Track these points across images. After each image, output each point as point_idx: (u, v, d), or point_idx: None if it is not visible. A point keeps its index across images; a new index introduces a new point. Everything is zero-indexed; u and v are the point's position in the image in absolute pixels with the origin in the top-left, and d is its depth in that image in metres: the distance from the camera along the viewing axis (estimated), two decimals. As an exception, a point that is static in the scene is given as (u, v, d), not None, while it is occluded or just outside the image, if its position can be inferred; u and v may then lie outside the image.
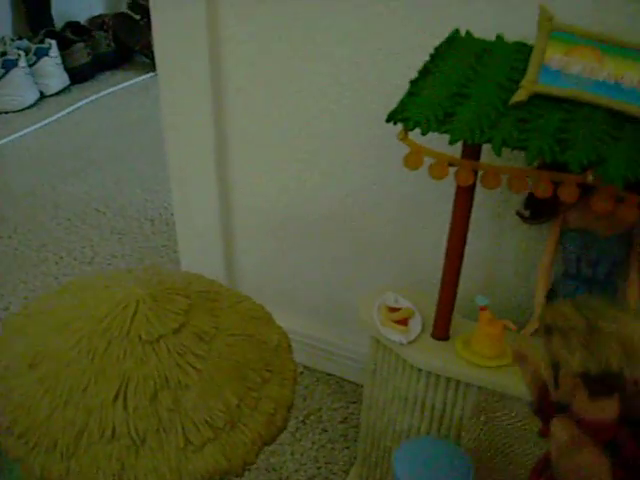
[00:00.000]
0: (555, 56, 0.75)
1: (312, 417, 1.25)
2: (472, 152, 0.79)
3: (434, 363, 0.90)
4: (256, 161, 1.19)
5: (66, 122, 2.43)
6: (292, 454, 1.18)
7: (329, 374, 1.34)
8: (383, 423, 1.02)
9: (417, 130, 0.75)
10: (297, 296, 1.30)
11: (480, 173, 0.79)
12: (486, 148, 0.77)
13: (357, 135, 1.07)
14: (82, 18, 2.88)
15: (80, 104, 2.53)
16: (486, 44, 0.83)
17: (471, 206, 0.85)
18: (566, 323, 0.58)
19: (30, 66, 2.53)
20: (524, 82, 0.75)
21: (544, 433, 0.65)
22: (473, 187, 0.83)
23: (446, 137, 0.74)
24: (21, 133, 2.32)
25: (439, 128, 0.74)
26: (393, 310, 0.96)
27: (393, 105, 0.78)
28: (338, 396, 1.30)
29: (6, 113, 2.46)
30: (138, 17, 2.83)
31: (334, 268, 1.23)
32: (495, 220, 1.03)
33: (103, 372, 0.68)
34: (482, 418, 0.90)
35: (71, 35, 2.72)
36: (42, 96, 2.57)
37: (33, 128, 2.35)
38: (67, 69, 2.65)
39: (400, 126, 0.77)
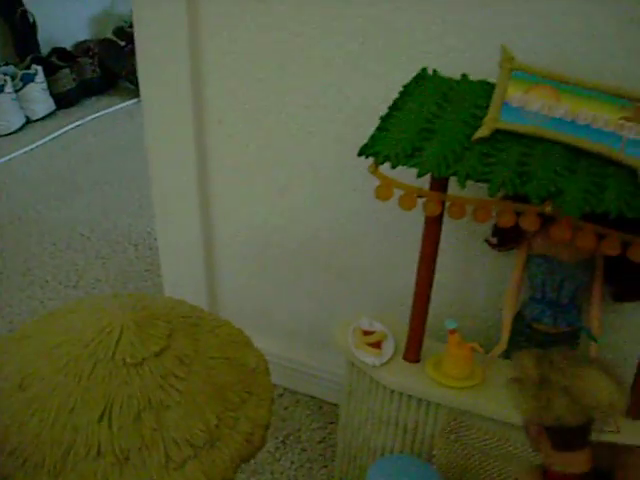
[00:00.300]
0: (516, 94, 0.80)
1: (291, 437, 1.28)
2: (439, 184, 0.84)
3: (405, 384, 0.95)
4: (237, 189, 1.23)
5: (52, 147, 2.46)
6: (272, 473, 1.21)
7: (309, 396, 1.38)
8: (359, 442, 1.06)
9: (388, 163, 0.80)
10: (278, 320, 1.34)
11: (447, 204, 0.84)
12: (453, 180, 0.82)
13: (335, 166, 1.11)
14: (68, 44, 2.91)
15: (66, 129, 2.56)
16: (452, 82, 0.88)
17: (439, 235, 0.90)
18: (522, 374, 0.62)
19: (16, 91, 2.56)
20: (487, 119, 0.80)
21: None
22: (441, 217, 0.87)
23: (415, 170, 0.79)
24: (7, 158, 2.34)
25: (407, 162, 0.79)
26: (367, 333, 1.00)
27: (366, 136, 0.83)
28: (317, 417, 1.33)
29: (-10, 138, 2.49)
30: (123, 43, 2.87)
31: (313, 293, 1.27)
32: (465, 247, 1.07)
33: (89, 393, 0.72)
34: (452, 437, 0.94)
35: (57, 61, 2.75)
36: (28, 121, 2.60)
37: (19, 153, 2.37)
38: (53, 94, 2.67)
39: (371, 159, 0.82)
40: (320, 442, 1.28)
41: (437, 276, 0.94)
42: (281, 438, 1.28)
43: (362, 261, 1.18)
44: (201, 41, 1.12)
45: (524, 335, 0.99)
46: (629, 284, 0.97)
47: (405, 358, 0.98)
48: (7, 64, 2.69)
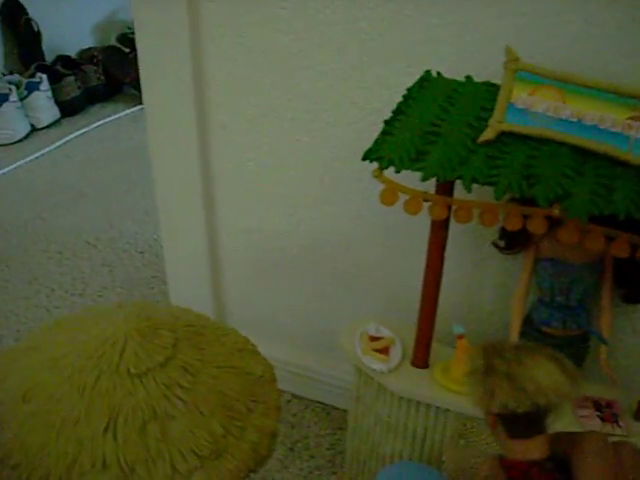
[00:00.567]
0: (521, 96, 0.79)
1: (300, 444, 1.27)
2: (445, 188, 0.83)
3: (414, 390, 0.94)
4: (241, 195, 1.22)
5: (57, 155, 2.46)
6: (281, 481, 1.21)
7: (317, 401, 1.37)
8: (367, 448, 1.05)
9: (392, 168, 0.79)
10: (284, 325, 1.33)
11: (453, 208, 0.83)
12: (459, 183, 0.81)
13: (339, 170, 1.10)
14: (72, 51, 2.92)
15: (71, 137, 2.56)
16: (456, 84, 0.87)
17: (446, 239, 0.89)
18: (471, 364, 0.62)
19: (21, 100, 2.56)
20: (492, 121, 0.79)
21: None
22: (447, 221, 0.86)
23: (420, 174, 0.78)
24: (12, 166, 2.34)
25: (412, 166, 0.78)
26: (374, 339, 0.99)
27: (369, 140, 0.82)
28: (325, 423, 1.32)
29: (-4, 147, 2.50)
30: (127, 50, 2.87)
31: (320, 298, 1.26)
32: (472, 250, 1.06)
33: (93, 405, 0.71)
34: (461, 442, 0.93)
35: (62, 69, 2.76)
36: (33, 129, 2.60)
37: (24, 161, 2.38)
38: (58, 102, 2.68)
39: (376, 164, 0.81)
40: (329, 448, 1.27)
41: (444, 280, 0.93)
42: (289, 445, 1.27)
43: (367, 265, 1.17)
44: (203, 45, 1.12)
45: (533, 339, 0.98)
46: (639, 286, 0.96)
47: (413, 364, 0.97)
48: (12, 73, 2.70)
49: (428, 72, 0.89)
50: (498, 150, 0.78)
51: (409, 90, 0.87)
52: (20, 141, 2.53)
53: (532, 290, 0.99)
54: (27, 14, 2.78)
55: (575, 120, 0.78)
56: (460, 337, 0.92)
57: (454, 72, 0.89)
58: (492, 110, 0.80)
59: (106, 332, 0.75)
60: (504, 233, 0.99)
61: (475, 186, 0.77)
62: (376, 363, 0.96)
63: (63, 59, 2.82)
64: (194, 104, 1.16)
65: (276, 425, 0.80)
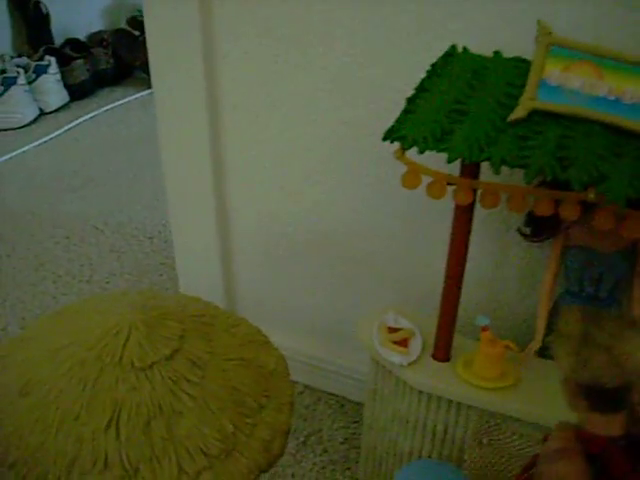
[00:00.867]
0: (554, 72, 0.74)
1: (313, 438, 1.23)
2: (471, 170, 0.78)
3: (434, 385, 0.89)
4: (253, 180, 1.17)
5: (65, 139, 2.42)
6: (293, 476, 1.16)
7: (330, 393, 1.33)
8: (384, 445, 1.00)
9: (415, 148, 0.74)
10: (297, 314, 1.28)
11: (479, 192, 0.78)
12: (485, 166, 0.75)
13: (356, 154, 1.05)
14: (81, 35, 2.88)
15: (79, 121, 2.52)
16: (484, 60, 0.81)
17: (470, 225, 0.83)
18: (566, 328, 0.58)
19: (29, 83, 2.52)
20: (523, 99, 0.74)
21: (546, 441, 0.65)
22: (472, 206, 0.81)
23: (444, 155, 0.73)
24: (20, 150, 2.31)
25: (436, 146, 0.73)
26: (393, 330, 0.94)
27: (390, 123, 0.77)
28: (339, 416, 1.28)
29: (5, 131, 2.46)
30: (137, 33, 2.83)
31: (334, 287, 1.21)
32: (497, 238, 1.01)
33: (95, 400, 0.67)
34: (484, 440, 0.88)
35: (70, 52, 2.72)
36: (41, 113, 2.57)
37: (32, 145, 2.34)
38: (67, 86, 2.64)
39: (397, 144, 0.76)
40: (343, 443, 1.22)
41: (467, 268, 0.88)
42: (302, 439, 1.22)
43: (385, 253, 1.12)
44: (215, 27, 1.07)
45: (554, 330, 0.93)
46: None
47: (434, 357, 0.92)
48: (20, 56, 2.66)
49: (453, 47, 0.83)
50: (529, 130, 0.73)
51: (433, 66, 0.81)
52: (28, 125, 2.50)
53: (559, 280, 0.94)
54: (36, -4, 2.73)
55: (613, 98, 0.72)
56: (484, 329, 0.87)
57: (482, 47, 0.83)
58: (523, 87, 0.75)
59: (109, 322, 0.70)
60: (531, 219, 0.93)
61: (503, 169, 0.72)
62: (395, 356, 0.91)
63: (72, 42, 2.79)
64: (204, 85, 1.11)
65: (289, 422, 0.75)
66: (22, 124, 2.50)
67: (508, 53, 0.82)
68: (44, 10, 2.78)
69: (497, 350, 0.87)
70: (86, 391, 0.67)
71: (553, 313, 0.94)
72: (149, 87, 2.71)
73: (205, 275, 1.31)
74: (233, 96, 1.11)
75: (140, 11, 2.88)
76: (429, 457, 0.94)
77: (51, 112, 2.58)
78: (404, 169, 0.77)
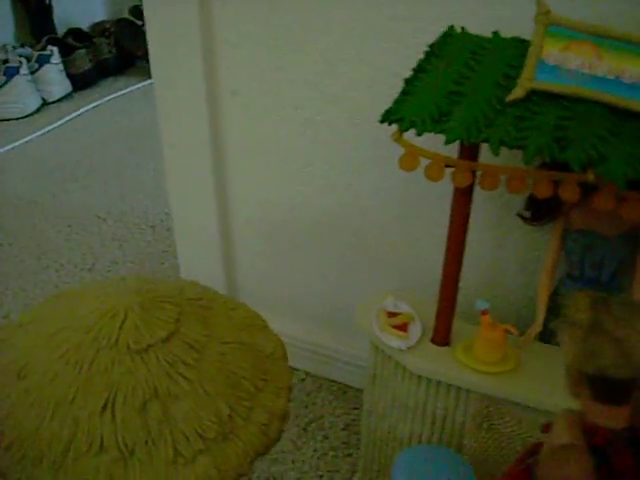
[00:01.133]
0: (553, 52, 0.73)
1: (313, 424, 1.22)
2: (469, 152, 0.77)
3: (434, 369, 0.88)
4: (253, 166, 1.17)
5: (68, 129, 2.42)
6: (293, 462, 1.16)
7: (331, 380, 1.32)
8: (384, 430, 1.00)
9: (413, 130, 0.74)
10: (298, 301, 1.28)
11: (478, 174, 0.77)
12: (484, 147, 0.75)
13: (355, 139, 1.05)
14: (84, 24, 2.88)
15: (82, 111, 2.52)
16: (482, 40, 0.80)
17: (469, 208, 0.83)
18: (574, 315, 0.57)
19: (32, 73, 2.53)
20: (521, 79, 0.73)
21: (546, 429, 0.64)
22: (471, 188, 0.81)
23: (442, 137, 0.73)
24: (23, 140, 2.31)
25: (434, 128, 0.72)
26: (392, 315, 0.93)
27: (388, 105, 0.76)
28: (340, 403, 1.28)
29: (8, 120, 2.46)
30: (140, 23, 2.82)
31: (334, 273, 1.21)
32: (497, 222, 1.01)
33: (91, 383, 0.66)
34: (484, 425, 0.88)
35: (73, 42, 2.72)
36: (44, 103, 2.57)
37: (35, 135, 2.34)
38: (69, 75, 2.65)
39: (395, 127, 0.75)
40: (344, 429, 1.22)
41: (466, 253, 0.87)
42: (303, 425, 1.22)
43: (384, 238, 1.12)
44: (213, 13, 1.06)
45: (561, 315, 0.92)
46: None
47: (433, 341, 0.92)
48: (23, 46, 2.67)
49: (452, 27, 0.83)
50: (528, 110, 0.72)
51: (431, 47, 0.81)
52: (31, 115, 2.51)
53: (560, 264, 0.94)
54: (38, -14, 2.73)
55: (612, 77, 0.72)
56: (484, 313, 0.86)
57: (480, 28, 0.82)
58: (521, 67, 0.74)
59: (105, 305, 0.70)
60: (531, 203, 0.92)
61: (502, 150, 0.71)
62: (394, 340, 0.90)
63: (74, 32, 2.79)
64: (203, 70, 1.11)
65: (286, 406, 0.75)
66: (25, 114, 2.50)
67: (507, 33, 0.81)
68: (47, 0, 2.77)
69: (497, 334, 0.86)
70: (82, 374, 0.67)
71: (554, 297, 0.93)
72: (151, 77, 2.71)
73: (206, 262, 1.30)
74: (232, 83, 1.11)
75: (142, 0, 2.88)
76: (429, 442, 0.94)
77: (54, 102, 2.58)
78: (402, 152, 0.77)
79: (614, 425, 0.56)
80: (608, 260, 0.88)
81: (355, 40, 0.97)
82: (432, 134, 0.73)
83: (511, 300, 1.04)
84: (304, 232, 1.19)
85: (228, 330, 0.76)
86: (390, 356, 0.93)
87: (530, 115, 0.72)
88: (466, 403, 0.89)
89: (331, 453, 1.17)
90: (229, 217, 1.25)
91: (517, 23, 0.79)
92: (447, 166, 0.77)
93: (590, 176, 0.70)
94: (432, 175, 0.77)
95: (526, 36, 0.77)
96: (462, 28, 0.83)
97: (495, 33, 0.81)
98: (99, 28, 2.86)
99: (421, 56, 0.81)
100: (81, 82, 2.69)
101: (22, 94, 2.50)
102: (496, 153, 0.70)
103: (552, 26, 0.74)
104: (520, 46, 0.77)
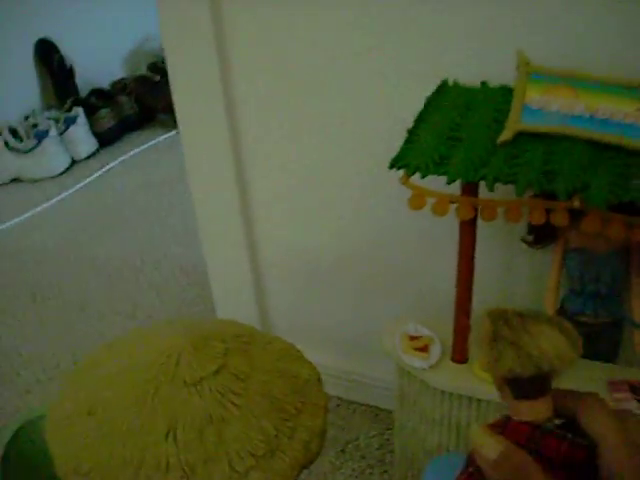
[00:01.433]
0: (535, 96, 0.84)
1: (350, 446, 1.32)
2: (470, 189, 0.87)
3: (455, 385, 0.98)
4: (279, 210, 1.28)
5: (98, 184, 2.55)
6: (334, 482, 1.25)
7: (364, 404, 1.41)
8: (414, 444, 1.09)
9: (418, 174, 0.84)
10: (326, 332, 1.38)
11: (479, 207, 0.87)
12: (482, 183, 0.85)
13: (369, 180, 1.15)
14: (104, 82, 3.02)
15: (110, 166, 2.66)
16: (472, 90, 0.91)
17: (474, 237, 0.93)
18: (480, 332, 0.64)
19: (60, 134, 2.66)
20: (509, 122, 0.83)
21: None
22: (474, 220, 0.91)
23: (444, 177, 0.83)
24: (56, 199, 2.44)
25: (437, 170, 0.83)
26: (414, 338, 1.03)
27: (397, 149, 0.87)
28: (374, 424, 1.37)
29: (40, 181, 2.60)
30: (158, 78, 2.96)
31: (357, 303, 1.31)
32: (503, 247, 1.10)
33: (154, 414, 0.76)
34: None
35: (96, 101, 2.86)
36: (73, 162, 2.70)
37: (67, 193, 2.47)
38: (95, 133, 2.78)
39: (402, 171, 0.85)
40: (379, 448, 1.31)
41: (477, 277, 0.97)
42: (340, 447, 1.32)
43: (402, 268, 1.22)
44: (232, 67, 1.18)
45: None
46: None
47: (453, 359, 1.01)
48: (50, 109, 2.81)
49: (445, 81, 0.94)
50: (517, 149, 0.83)
51: (428, 99, 0.92)
52: (62, 174, 2.64)
53: (563, 281, 1.03)
54: (59, 52, 2.88)
55: (588, 115, 0.82)
56: (495, 330, 0.95)
57: (470, 79, 0.93)
58: (508, 112, 0.84)
59: (160, 346, 0.80)
60: (532, 228, 1.03)
61: (497, 185, 0.81)
62: (417, 361, 1.00)
63: (97, 92, 2.92)
64: (226, 122, 1.21)
65: (324, 423, 0.84)
66: (56, 173, 2.64)
67: (494, 82, 0.91)
68: (68, 64, 2.92)
69: (509, 348, 0.95)
70: (146, 407, 0.77)
71: (560, 312, 1.03)
72: (173, 128, 2.84)
73: (240, 303, 1.41)
74: (254, 130, 1.22)
75: (159, 57, 3.03)
76: (455, 450, 1.03)
77: (82, 160, 2.72)
78: (410, 193, 0.87)
79: (540, 417, 0.61)
80: (603, 275, 0.97)
81: (363, 93, 1.08)
82: (435, 176, 0.83)
83: (521, 317, 1.13)
84: (328, 268, 1.29)
85: (268, 361, 0.86)
86: (415, 376, 1.02)
87: (519, 153, 0.82)
88: (486, 413, 0.98)
89: (368, 471, 1.26)
90: (258, 259, 1.36)
91: (502, 73, 0.89)
92: (451, 202, 0.87)
93: (576, 203, 0.79)
94: (438, 211, 0.87)
95: (511, 83, 0.87)
96: (454, 81, 0.93)
97: (484, 83, 0.92)
98: (119, 86, 3.00)
99: (421, 105, 0.92)
100: (106, 139, 2.83)
101: (52, 155, 2.63)
102: (491, 189, 0.80)
103: (533, 74, 0.84)
104: (506, 93, 0.88)
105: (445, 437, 1.03)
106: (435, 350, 1.02)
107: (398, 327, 1.05)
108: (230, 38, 1.14)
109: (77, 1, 2.94)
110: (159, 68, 2.97)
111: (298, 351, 0.93)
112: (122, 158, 2.72)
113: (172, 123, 2.86)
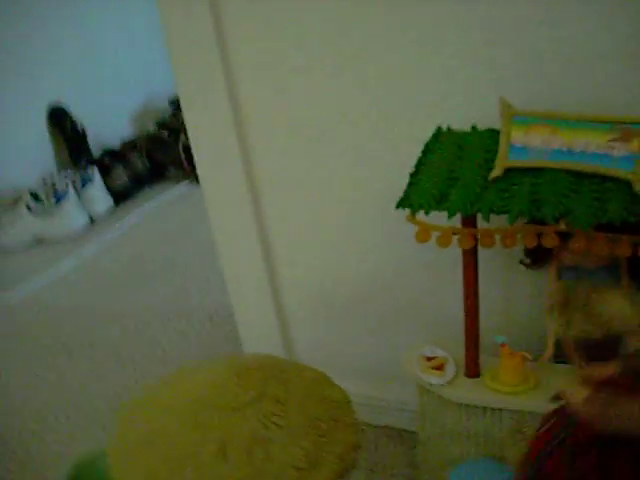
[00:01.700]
0: (519, 136, 0.95)
1: (379, 465, 1.41)
2: (469, 221, 0.98)
3: (470, 397, 1.08)
4: (300, 252, 1.39)
5: (116, 240, 2.67)
6: (367, 500, 1.34)
7: (389, 427, 1.51)
8: (437, 456, 1.19)
9: (422, 211, 0.95)
10: (349, 361, 1.48)
11: (479, 236, 0.98)
12: (479, 215, 0.96)
13: (380, 219, 1.27)
14: (115, 140, 3.16)
15: (126, 221, 2.78)
16: (464, 134, 1.03)
17: (477, 263, 1.04)
18: (553, 299, 0.72)
19: (77, 194, 2.79)
20: (498, 160, 0.95)
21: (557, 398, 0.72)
22: (475, 248, 1.02)
23: (445, 212, 0.94)
24: (77, 257, 2.56)
25: (438, 207, 0.94)
26: (430, 359, 1.14)
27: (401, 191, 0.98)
28: (399, 445, 1.46)
29: (60, 239, 2.70)
30: (166, 134, 3.10)
31: (378, 332, 1.41)
32: (505, 270, 1.21)
33: (206, 437, 0.87)
34: (518, 436, 1.07)
35: (109, 161, 2.99)
36: (91, 220, 2.82)
37: (88, 252, 2.59)
38: (110, 191, 2.91)
39: (408, 210, 0.97)
40: (406, 466, 1.40)
41: (484, 299, 1.08)
42: (370, 467, 1.41)
43: (414, 296, 1.32)
44: (244, 118, 1.29)
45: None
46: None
47: (466, 375, 1.12)
48: (66, 169, 2.93)
49: (439, 128, 1.05)
50: (506, 183, 0.94)
51: (426, 145, 1.03)
52: (80, 231, 2.75)
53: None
54: (71, 117, 3.01)
55: (566, 149, 0.93)
56: (503, 345, 1.06)
57: (461, 124, 1.05)
58: (496, 152, 0.96)
59: (208, 378, 0.91)
60: (528, 252, 1.13)
61: (492, 216, 0.93)
62: (434, 378, 1.11)
63: (109, 152, 3.06)
64: (242, 168, 1.33)
65: (356, 438, 0.94)
66: (75, 233, 2.75)
67: (483, 125, 1.03)
68: (80, 128, 3.05)
69: (516, 360, 1.06)
70: (198, 432, 0.88)
71: (560, 325, 1.13)
72: (182, 180, 2.97)
73: (266, 340, 1.51)
74: (269, 174, 1.33)
75: (165, 114, 3.17)
76: (475, 457, 1.12)
77: (99, 217, 2.84)
78: (416, 228, 0.98)
79: (610, 371, 0.64)
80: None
81: (369, 141, 1.20)
82: (437, 212, 0.95)
83: (526, 331, 1.23)
84: (347, 304, 1.40)
85: (302, 386, 0.96)
86: (433, 392, 1.13)
87: (509, 187, 0.94)
88: (500, 420, 1.08)
89: (397, 486, 1.36)
90: (281, 298, 1.46)
91: (489, 117, 1.01)
92: (453, 234, 0.98)
93: (562, 226, 0.91)
94: (442, 243, 0.98)
95: (497, 126, 0.99)
96: (447, 127, 1.05)
97: (474, 127, 1.04)
98: (130, 145, 3.14)
99: (419, 150, 1.04)
100: (121, 196, 2.97)
101: (70, 214, 2.76)
102: (487, 220, 0.92)
103: (515, 116, 0.96)
104: (494, 135, 1.00)
105: (465, 447, 1.13)
106: (450, 368, 1.13)
107: (415, 350, 1.16)
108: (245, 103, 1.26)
109: (84, 64, 3.08)
110: (166, 125, 3.10)
111: (328, 377, 1.03)
112: (137, 212, 2.85)
113: (181, 175, 3.01)
